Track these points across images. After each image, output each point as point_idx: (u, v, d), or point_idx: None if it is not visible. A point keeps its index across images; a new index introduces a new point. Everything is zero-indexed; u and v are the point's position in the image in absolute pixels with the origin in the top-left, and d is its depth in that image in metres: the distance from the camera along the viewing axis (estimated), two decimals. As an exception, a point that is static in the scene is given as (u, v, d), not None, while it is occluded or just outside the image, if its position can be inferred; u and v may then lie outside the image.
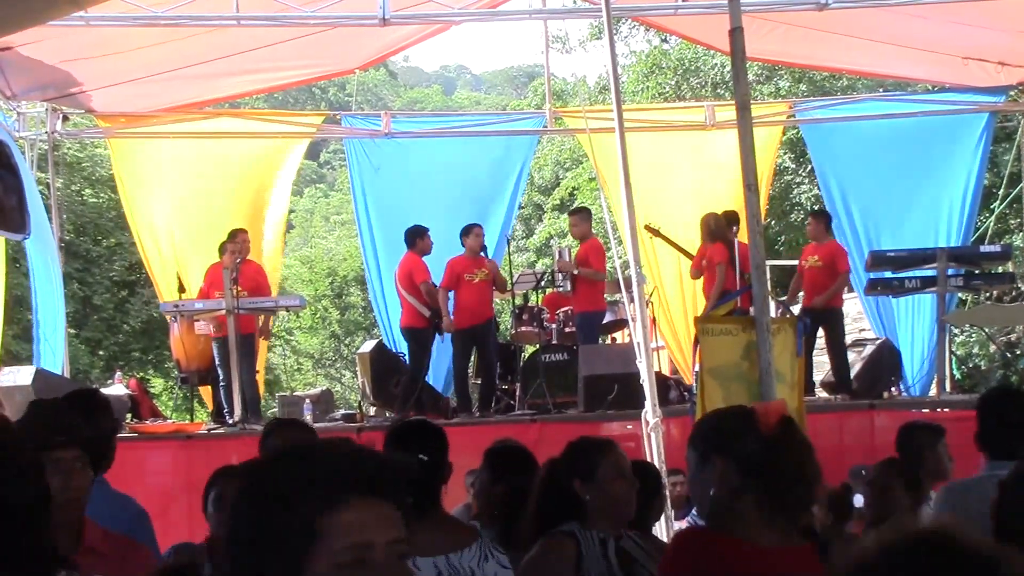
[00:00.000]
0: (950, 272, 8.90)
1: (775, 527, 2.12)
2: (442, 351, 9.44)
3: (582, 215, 9.62)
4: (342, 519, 1.25)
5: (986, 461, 3.18)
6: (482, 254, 9.13)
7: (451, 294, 8.87)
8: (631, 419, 6.96)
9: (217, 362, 8.55)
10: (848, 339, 9.36)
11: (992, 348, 12.90)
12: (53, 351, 9.19)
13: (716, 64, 19.25)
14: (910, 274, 8.82)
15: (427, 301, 8.71)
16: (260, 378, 9.65)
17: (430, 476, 2.86)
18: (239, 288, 8.41)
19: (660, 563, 2.27)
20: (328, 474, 1.28)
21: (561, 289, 9.24)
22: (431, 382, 9.47)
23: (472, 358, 9.18)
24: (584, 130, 9.35)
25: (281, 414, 9.69)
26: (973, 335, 13.09)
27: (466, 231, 8.94)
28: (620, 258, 12.08)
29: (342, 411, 9.92)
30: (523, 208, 26.68)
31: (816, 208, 9.48)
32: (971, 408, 5.54)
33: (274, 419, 6.07)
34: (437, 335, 8.89)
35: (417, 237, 8.97)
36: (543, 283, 10.07)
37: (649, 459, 6.08)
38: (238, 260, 8.47)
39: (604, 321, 9.41)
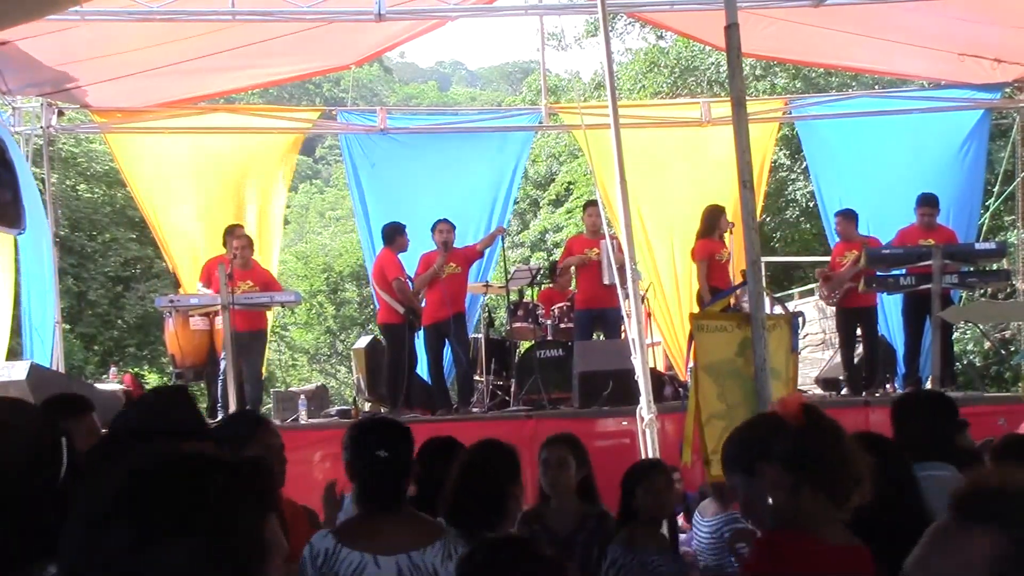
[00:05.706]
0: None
1: (837, 520, 2.11)
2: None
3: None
4: None
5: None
6: (457, 247, 9.11)
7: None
8: (626, 415, 6.95)
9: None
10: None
11: (986, 345, 12.92)
12: (43, 344, 9.18)
13: (712, 63, 19.26)
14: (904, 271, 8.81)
15: (399, 298, 8.70)
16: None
17: (392, 473, 2.84)
18: (250, 283, 8.41)
19: (747, 567, 2.25)
20: None
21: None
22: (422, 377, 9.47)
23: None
24: (580, 126, 9.33)
25: (276, 410, 9.68)
26: (968, 332, 13.10)
27: (432, 227, 8.97)
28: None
29: (337, 407, 9.92)
30: (518, 203, 26.67)
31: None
32: (965, 405, 5.61)
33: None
34: (413, 331, 8.88)
35: (396, 234, 8.97)
36: (538, 278, 10.06)
37: (643, 456, 6.07)
38: (234, 257, 8.47)
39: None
